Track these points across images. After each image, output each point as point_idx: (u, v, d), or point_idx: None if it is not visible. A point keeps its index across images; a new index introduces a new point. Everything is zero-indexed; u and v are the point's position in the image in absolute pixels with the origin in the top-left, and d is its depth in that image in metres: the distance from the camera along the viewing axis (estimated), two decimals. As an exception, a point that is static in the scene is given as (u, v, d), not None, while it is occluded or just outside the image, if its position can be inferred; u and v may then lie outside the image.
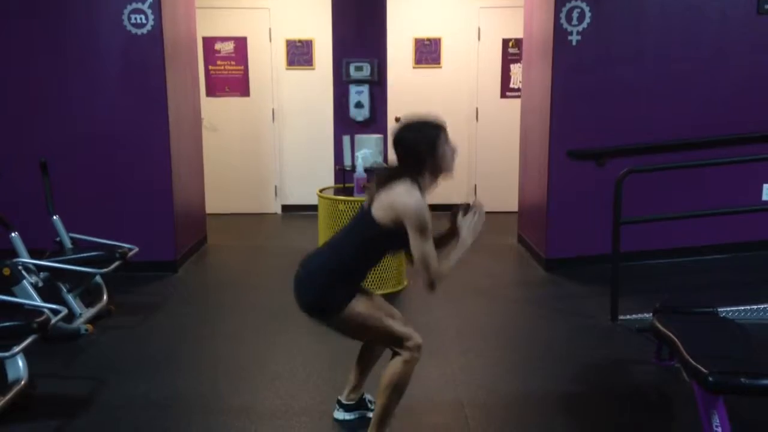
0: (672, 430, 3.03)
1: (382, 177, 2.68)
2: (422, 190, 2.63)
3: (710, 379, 2.51)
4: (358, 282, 2.73)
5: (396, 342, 2.65)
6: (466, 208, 2.73)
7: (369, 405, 3.08)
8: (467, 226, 2.68)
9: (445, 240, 2.79)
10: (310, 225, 6.87)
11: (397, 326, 2.69)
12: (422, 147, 2.60)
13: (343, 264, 2.66)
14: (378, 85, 5.95)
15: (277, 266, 5.77)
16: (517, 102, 6.74)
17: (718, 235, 5.65)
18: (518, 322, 4.54)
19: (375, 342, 2.80)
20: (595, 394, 3.41)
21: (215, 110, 7.70)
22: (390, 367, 2.66)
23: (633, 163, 4.32)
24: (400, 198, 2.56)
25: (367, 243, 2.66)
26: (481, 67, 7.73)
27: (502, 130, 7.69)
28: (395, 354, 2.68)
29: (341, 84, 5.92)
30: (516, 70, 7.62)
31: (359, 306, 2.65)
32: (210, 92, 7.70)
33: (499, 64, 7.71)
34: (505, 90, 7.75)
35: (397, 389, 2.66)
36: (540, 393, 3.40)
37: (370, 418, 2.87)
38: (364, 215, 2.66)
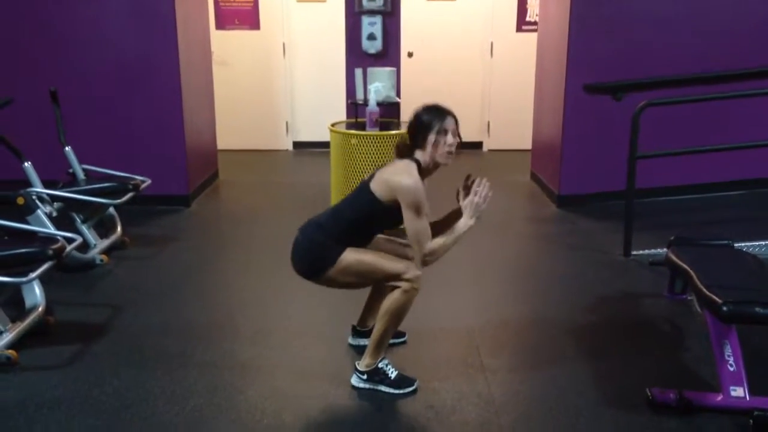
0: (683, 361, 3.05)
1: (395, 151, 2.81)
2: (423, 170, 2.69)
3: (724, 308, 2.51)
4: (351, 246, 2.76)
5: (393, 278, 2.69)
6: (470, 185, 2.75)
7: None
8: (469, 206, 2.70)
9: (450, 220, 2.80)
10: (321, 161, 6.83)
11: (391, 264, 2.70)
12: (421, 130, 2.69)
13: (341, 232, 2.72)
14: (391, 15, 5.81)
15: (289, 201, 5.78)
16: (534, 36, 6.58)
17: (736, 171, 5.58)
18: (530, 256, 4.55)
19: (373, 282, 2.84)
20: (606, 324, 3.43)
21: (225, 44, 7.57)
22: (390, 297, 2.71)
23: (651, 98, 4.22)
24: (397, 176, 2.65)
25: (365, 216, 2.73)
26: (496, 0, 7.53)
27: (517, 65, 7.52)
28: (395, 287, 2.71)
29: (353, 15, 5.79)
30: (533, 2, 7.40)
31: (348, 257, 2.69)
32: (219, 25, 7.56)
33: (515, -4, 7.50)
34: (522, 23, 7.54)
35: (395, 317, 2.72)
36: (551, 323, 3.43)
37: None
38: (364, 188, 2.73)
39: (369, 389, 2.81)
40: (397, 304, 2.68)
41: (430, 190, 3.00)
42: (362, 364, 2.82)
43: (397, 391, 2.77)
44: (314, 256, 2.72)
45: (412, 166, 2.68)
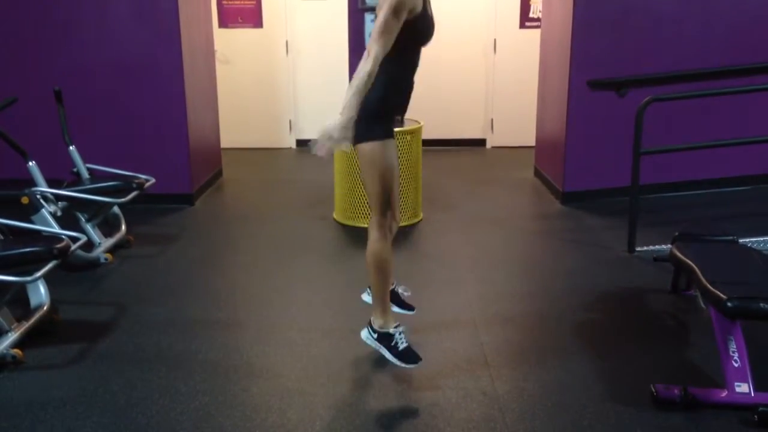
0: (688, 357, 3.05)
1: None
2: None
3: (729, 304, 2.51)
4: (389, 115, 2.76)
5: (374, 207, 2.74)
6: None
7: (400, 295, 3.19)
8: (329, 131, 2.45)
9: None
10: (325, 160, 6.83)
11: (384, 200, 2.75)
12: None
13: (374, 92, 2.55)
14: (394, 13, 5.80)
15: (292, 199, 5.78)
16: (537, 33, 6.56)
17: (740, 167, 5.56)
18: (534, 252, 4.54)
19: (366, 190, 2.84)
20: (610, 320, 3.43)
21: (228, 42, 7.58)
22: (368, 252, 2.79)
23: (655, 93, 4.21)
24: None
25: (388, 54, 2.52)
26: (500, -4, 7.51)
27: (520, 62, 7.50)
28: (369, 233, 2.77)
29: (356, 12, 5.78)
30: (536, -2, 7.39)
31: (378, 153, 2.69)
32: (222, 23, 7.56)
33: (518, -7, 7.48)
34: (525, 20, 7.53)
35: (376, 266, 2.78)
36: (555, 319, 3.43)
37: (395, 311, 3.04)
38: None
39: (373, 349, 2.84)
40: (371, 255, 2.78)
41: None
42: (376, 322, 2.84)
43: (398, 363, 2.78)
44: (356, 127, 2.54)
45: None
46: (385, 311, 2.84)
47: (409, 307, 3.21)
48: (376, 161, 2.71)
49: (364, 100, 2.50)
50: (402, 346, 2.80)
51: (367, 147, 2.71)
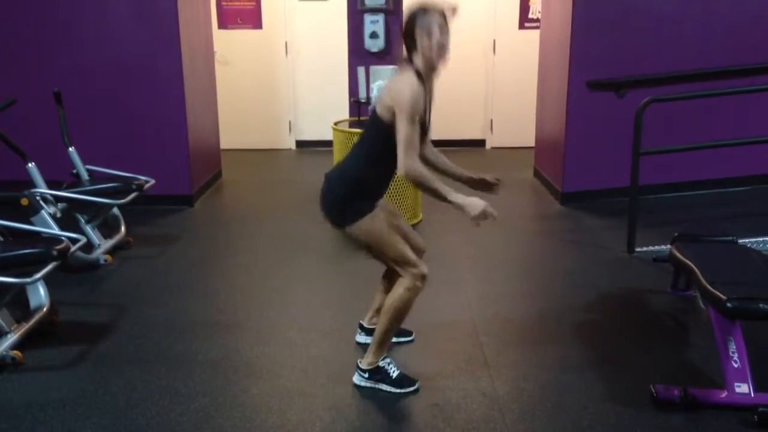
0: (688, 357, 3.05)
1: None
2: (423, 79, 2.58)
3: (728, 304, 2.51)
4: (376, 193, 2.74)
5: (402, 265, 2.68)
6: (491, 185, 2.77)
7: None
8: (475, 201, 2.58)
9: (456, 177, 2.81)
10: (324, 160, 6.84)
11: (407, 250, 2.70)
12: (409, 30, 2.59)
13: (360, 170, 2.67)
14: (394, 14, 5.80)
15: (292, 200, 5.78)
16: (537, 33, 6.57)
17: (740, 167, 5.57)
18: (533, 252, 4.54)
19: (384, 260, 2.80)
20: (610, 320, 3.43)
21: (227, 43, 7.58)
22: (393, 293, 2.69)
23: (654, 94, 4.21)
24: (395, 84, 2.58)
25: (379, 145, 2.64)
26: (499, -3, 7.51)
27: (520, 63, 7.51)
28: (399, 280, 2.70)
29: (356, 13, 5.78)
30: (535, -1, 7.39)
31: (377, 222, 2.67)
32: (222, 24, 7.57)
33: (517, -6, 7.48)
34: (524, 20, 7.54)
35: (398, 314, 2.71)
36: (555, 320, 3.42)
37: (399, 339, 3.02)
38: (372, 115, 2.67)
39: (370, 388, 2.81)
40: (400, 303, 2.68)
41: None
42: (364, 362, 2.83)
43: (398, 391, 2.77)
44: (339, 211, 2.67)
45: (410, 75, 2.55)
46: (381, 353, 2.81)
47: (408, 333, 3.21)
48: (375, 233, 2.68)
49: (341, 186, 2.64)
50: (395, 373, 2.80)
51: (362, 226, 2.66)
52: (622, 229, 4.40)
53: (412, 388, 2.78)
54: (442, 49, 2.57)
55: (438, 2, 2.61)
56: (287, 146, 7.99)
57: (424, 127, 2.70)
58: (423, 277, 2.68)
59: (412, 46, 2.61)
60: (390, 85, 2.61)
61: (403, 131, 2.52)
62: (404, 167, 2.53)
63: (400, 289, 2.68)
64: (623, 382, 2.84)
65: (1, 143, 3.97)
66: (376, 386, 2.80)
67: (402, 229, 2.85)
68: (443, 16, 2.59)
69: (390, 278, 2.99)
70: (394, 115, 2.54)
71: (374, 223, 2.67)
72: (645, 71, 4.98)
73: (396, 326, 2.77)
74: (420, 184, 2.57)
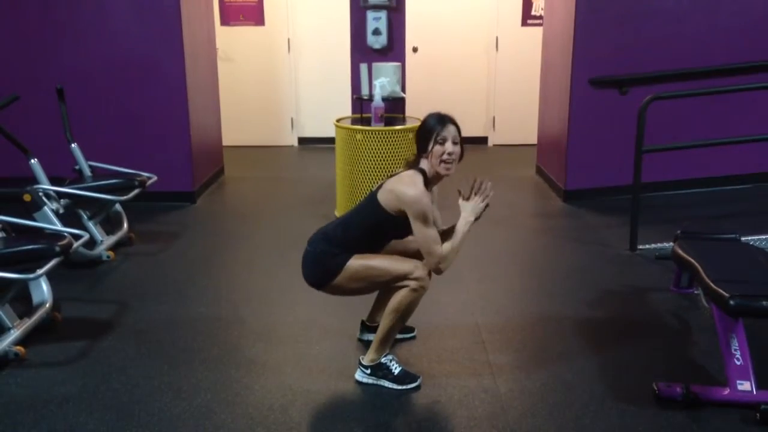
0: (690, 355, 3.04)
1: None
2: (428, 180, 2.71)
3: (731, 302, 2.51)
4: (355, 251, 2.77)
5: (402, 280, 2.69)
6: (472, 187, 2.78)
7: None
8: (469, 206, 2.74)
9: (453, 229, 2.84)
10: (326, 157, 6.84)
11: (398, 266, 2.70)
12: (423, 137, 2.71)
13: (348, 240, 2.74)
14: (396, 11, 5.79)
15: (294, 197, 5.78)
16: (539, 30, 6.56)
17: (742, 165, 5.56)
18: (536, 250, 4.54)
19: (383, 285, 2.81)
20: (612, 319, 3.42)
21: (229, 40, 7.58)
22: (398, 294, 2.70)
23: (657, 91, 4.20)
24: (400, 186, 2.66)
25: (373, 227, 2.75)
26: (501, -6, 7.50)
27: (522, 60, 7.50)
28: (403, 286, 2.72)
29: (358, 10, 5.77)
30: (538, -4, 7.38)
31: (355, 263, 2.71)
32: (224, 21, 7.56)
33: (520, -10, 7.47)
34: (527, 17, 7.52)
35: (402, 314, 2.73)
36: (556, 318, 3.42)
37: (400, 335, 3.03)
38: (372, 198, 2.75)
39: (372, 384, 2.81)
40: (404, 303, 2.69)
41: (443, 194, 3.01)
42: (366, 359, 2.83)
43: (399, 387, 2.78)
44: (322, 265, 2.74)
45: (417, 177, 2.68)
46: (384, 350, 2.82)
47: (409, 329, 3.21)
48: (361, 271, 2.70)
49: (329, 241, 2.73)
50: (397, 370, 2.80)
51: (345, 273, 2.70)
52: (625, 227, 4.39)
53: (414, 385, 2.79)
54: (450, 161, 2.68)
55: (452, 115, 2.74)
56: (289, 143, 7.99)
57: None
58: (425, 278, 2.69)
59: (422, 150, 2.71)
60: (397, 186, 2.67)
61: (421, 235, 2.64)
62: (437, 266, 2.66)
63: (404, 291, 2.69)
64: (625, 379, 2.84)
65: (4, 139, 3.98)
66: (378, 383, 2.81)
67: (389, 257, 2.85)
68: (458, 128, 2.71)
69: None
70: (396, 209, 2.66)
71: (354, 264, 2.70)
72: (648, 69, 4.97)
73: (400, 325, 2.78)
74: (453, 257, 2.70)
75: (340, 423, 2.57)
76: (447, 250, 2.67)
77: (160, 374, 2.90)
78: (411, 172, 2.72)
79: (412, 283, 2.67)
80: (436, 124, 2.69)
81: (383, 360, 2.81)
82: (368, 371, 2.82)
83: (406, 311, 2.72)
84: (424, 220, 2.62)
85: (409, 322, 2.97)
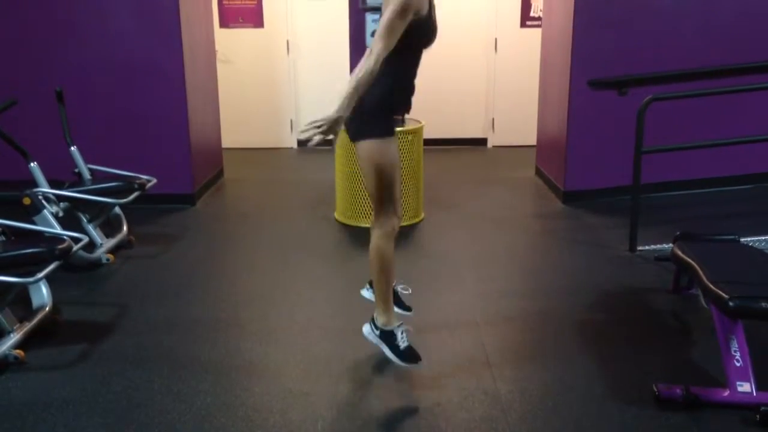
0: (690, 356, 3.04)
1: None
2: None
3: (730, 303, 2.51)
4: (396, 108, 2.78)
5: (379, 207, 2.74)
6: None
7: (399, 293, 3.15)
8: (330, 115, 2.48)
9: None
10: (326, 159, 6.84)
11: (390, 201, 2.75)
12: None
13: (381, 86, 2.58)
14: (395, 13, 5.80)
15: (294, 199, 5.78)
16: (538, 32, 6.56)
17: (742, 166, 5.56)
18: (535, 251, 4.54)
19: (367, 188, 2.84)
20: (612, 319, 3.42)
21: (229, 42, 7.58)
22: (371, 248, 2.78)
23: (656, 93, 4.20)
24: None
25: (394, 52, 2.52)
26: (500, -5, 7.50)
27: (521, 61, 7.49)
28: (372, 233, 2.78)
29: (357, 12, 5.78)
30: (537, -3, 7.38)
31: (384, 153, 2.70)
32: (223, 23, 7.56)
33: (519, -8, 7.47)
34: (526, 19, 7.53)
35: (382, 264, 2.77)
36: (556, 318, 3.42)
37: (398, 309, 3.04)
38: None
39: (374, 344, 2.85)
40: (378, 252, 2.76)
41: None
42: (379, 320, 2.84)
43: (398, 361, 2.78)
44: (357, 121, 2.65)
45: None
46: (387, 309, 2.83)
47: (407, 308, 3.20)
48: (374, 158, 2.71)
49: (364, 97, 2.52)
50: (403, 345, 2.80)
51: (365, 144, 2.72)
52: (624, 228, 4.39)
53: (413, 365, 2.79)
54: None
55: None
56: (289, 145, 7.99)
57: (431, 29, 2.69)
58: (393, 230, 2.75)
59: None
60: None
61: (386, 17, 2.46)
62: (375, 55, 2.44)
63: (375, 240, 2.77)
64: (625, 380, 2.84)
65: (4, 143, 3.98)
66: (381, 347, 2.82)
67: (395, 186, 2.84)
68: None
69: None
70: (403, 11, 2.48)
71: (374, 149, 2.70)
72: (647, 70, 4.97)
73: (384, 277, 2.80)
74: (360, 84, 2.45)
75: (340, 426, 2.57)
76: (372, 75, 2.45)
77: (160, 377, 2.90)
78: None
79: (379, 231, 2.75)
80: None
81: (396, 330, 2.81)
82: (378, 332, 2.84)
83: (384, 260, 2.77)
84: (401, 13, 2.46)
85: (409, 322, 2.96)
